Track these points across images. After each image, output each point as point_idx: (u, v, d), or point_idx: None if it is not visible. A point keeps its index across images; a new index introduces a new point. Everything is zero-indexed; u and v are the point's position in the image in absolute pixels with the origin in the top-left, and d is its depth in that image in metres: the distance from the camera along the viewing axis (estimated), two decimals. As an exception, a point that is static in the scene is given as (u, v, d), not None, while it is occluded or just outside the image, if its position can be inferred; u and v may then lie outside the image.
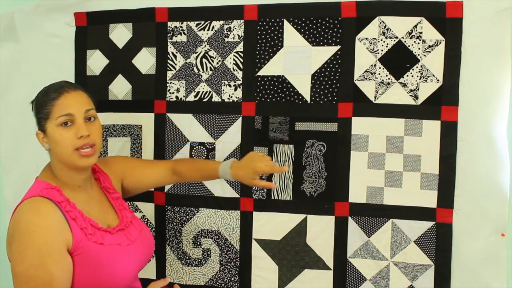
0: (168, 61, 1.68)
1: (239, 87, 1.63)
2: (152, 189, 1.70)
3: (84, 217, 1.14)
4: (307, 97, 1.59)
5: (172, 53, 1.68)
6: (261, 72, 1.62)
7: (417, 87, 1.52)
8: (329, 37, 1.56)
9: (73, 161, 1.15)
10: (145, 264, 1.31)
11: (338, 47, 1.56)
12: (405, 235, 1.54)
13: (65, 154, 1.14)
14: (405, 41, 1.51)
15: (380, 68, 1.53)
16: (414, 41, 1.51)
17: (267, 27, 1.60)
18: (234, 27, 1.62)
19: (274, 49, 1.60)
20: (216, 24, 1.64)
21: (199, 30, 1.65)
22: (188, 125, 1.67)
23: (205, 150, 1.67)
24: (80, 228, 1.12)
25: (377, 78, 1.54)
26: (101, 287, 1.14)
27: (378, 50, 1.53)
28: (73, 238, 1.10)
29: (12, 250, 1.08)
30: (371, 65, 1.54)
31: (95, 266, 1.12)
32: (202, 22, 1.65)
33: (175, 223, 1.71)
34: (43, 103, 1.15)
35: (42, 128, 1.16)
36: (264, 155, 1.48)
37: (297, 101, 1.59)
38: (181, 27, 1.67)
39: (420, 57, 1.51)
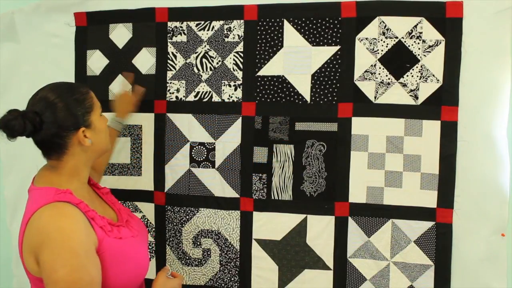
0: (168, 61, 1.68)
1: (239, 87, 1.63)
2: (152, 189, 1.71)
3: (99, 215, 1.15)
4: (307, 97, 1.59)
5: (172, 53, 1.68)
6: (261, 72, 1.62)
7: (417, 87, 1.52)
8: (329, 37, 1.56)
9: (109, 145, 1.27)
10: None
11: (338, 47, 1.56)
12: (405, 235, 1.54)
13: (107, 140, 1.24)
14: (405, 41, 1.52)
15: (380, 68, 1.53)
16: (414, 41, 1.51)
17: (267, 27, 1.60)
18: (234, 27, 1.63)
19: (274, 49, 1.60)
20: (216, 24, 1.64)
21: (199, 30, 1.65)
22: (188, 125, 1.67)
23: (205, 150, 1.67)
24: (100, 227, 1.12)
25: (377, 78, 1.54)
26: (129, 280, 1.16)
27: (378, 50, 1.53)
28: (97, 238, 1.10)
29: (44, 259, 1.04)
30: (371, 65, 1.54)
31: (121, 260, 1.13)
32: (202, 22, 1.65)
33: (175, 223, 1.71)
34: (82, 98, 1.16)
35: (86, 123, 1.15)
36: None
37: (297, 101, 1.59)
38: (181, 27, 1.67)
39: (420, 57, 1.51)
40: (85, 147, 1.16)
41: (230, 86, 1.64)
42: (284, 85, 1.60)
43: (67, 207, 1.08)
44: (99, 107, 1.21)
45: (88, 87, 1.22)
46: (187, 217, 1.70)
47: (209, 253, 1.69)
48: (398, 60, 1.52)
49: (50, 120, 1.11)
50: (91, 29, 1.73)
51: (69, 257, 1.03)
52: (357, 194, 1.57)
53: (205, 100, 1.66)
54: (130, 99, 1.63)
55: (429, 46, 1.50)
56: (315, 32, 1.57)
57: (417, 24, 1.50)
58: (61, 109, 1.12)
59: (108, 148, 1.28)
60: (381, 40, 1.53)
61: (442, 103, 1.50)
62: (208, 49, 1.65)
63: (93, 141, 1.17)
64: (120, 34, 1.71)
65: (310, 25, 1.57)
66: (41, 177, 1.19)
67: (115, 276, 1.12)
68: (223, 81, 1.65)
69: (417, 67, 1.51)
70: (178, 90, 1.68)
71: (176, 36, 1.67)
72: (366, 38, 1.54)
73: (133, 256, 1.17)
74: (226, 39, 1.64)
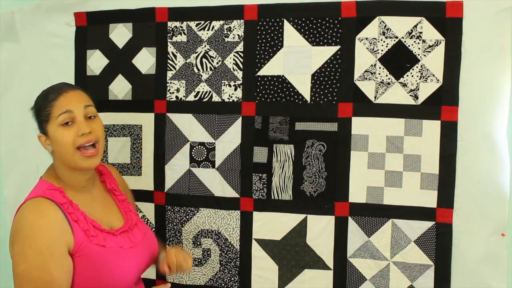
0: (168, 61, 1.68)
1: (239, 87, 1.63)
2: (152, 189, 1.71)
3: (87, 218, 1.14)
4: (307, 97, 1.59)
5: (172, 53, 1.68)
6: (261, 72, 1.62)
7: (417, 87, 1.52)
8: (329, 37, 1.56)
9: (76, 162, 1.14)
10: (147, 267, 1.31)
11: (338, 47, 1.56)
12: (405, 235, 1.54)
13: (67, 154, 1.13)
14: (405, 41, 1.51)
15: (380, 68, 1.53)
16: (414, 41, 1.51)
17: (267, 27, 1.60)
18: (234, 27, 1.62)
19: (274, 49, 1.60)
20: (216, 24, 1.64)
21: (199, 30, 1.65)
22: (188, 125, 1.67)
23: (205, 150, 1.67)
24: (82, 230, 1.12)
25: (377, 78, 1.54)
26: None
27: (378, 50, 1.53)
28: (74, 240, 1.10)
29: (13, 250, 1.08)
30: (371, 65, 1.54)
31: (96, 267, 1.12)
32: (202, 22, 1.65)
33: (175, 223, 1.71)
34: (43, 106, 1.15)
35: (43, 130, 1.16)
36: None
37: (297, 101, 1.59)
38: (181, 27, 1.67)
39: (420, 57, 1.51)
40: (54, 152, 1.17)
41: (230, 86, 1.64)
42: (284, 85, 1.60)
43: (46, 205, 1.10)
44: (56, 116, 1.13)
45: (63, 92, 1.15)
46: (187, 217, 1.70)
47: (209, 253, 1.69)
48: (398, 60, 1.52)
49: None
50: (91, 29, 1.73)
51: (31, 254, 1.05)
52: (357, 194, 1.57)
53: (205, 100, 1.66)
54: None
55: (429, 46, 1.50)
56: (315, 32, 1.57)
57: (417, 24, 1.50)
58: (33, 112, 1.19)
59: (74, 164, 1.14)
60: (381, 40, 1.53)
61: (442, 103, 1.50)
62: (208, 49, 1.65)
63: (53, 150, 1.16)
64: (120, 34, 1.71)
65: (310, 25, 1.57)
66: (47, 170, 1.22)
67: (86, 282, 1.12)
68: (223, 81, 1.65)
69: (417, 67, 1.51)
70: (178, 90, 1.68)
71: (176, 36, 1.67)
72: (366, 38, 1.54)
73: (110, 267, 1.14)
74: (226, 39, 1.64)
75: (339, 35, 1.55)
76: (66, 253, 1.09)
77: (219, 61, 1.64)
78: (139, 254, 1.23)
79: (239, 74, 1.63)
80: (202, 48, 1.65)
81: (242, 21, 1.62)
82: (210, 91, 1.66)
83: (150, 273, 1.72)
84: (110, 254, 1.15)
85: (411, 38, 1.51)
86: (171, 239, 1.72)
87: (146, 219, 1.73)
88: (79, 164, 1.14)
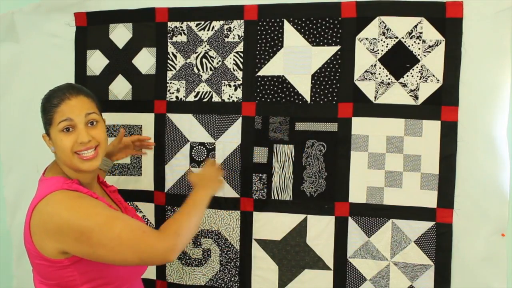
0: (168, 61, 1.68)
1: (239, 87, 1.63)
2: (152, 189, 1.71)
3: (107, 203, 1.18)
4: (307, 97, 1.59)
5: (172, 53, 1.68)
6: (261, 72, 1.62)
7: (417, 87, 1.52)
8: (329, 37, 1.56)
9: (75, 164, 1.15)
10: None
11: (338, 47, 1.56)
12: (405, 235, 1.54)
13: (66, 158, 1.15)
14: (405, 41, 1.52)
15: (380, 68, 1.53)
16: (414, 41, 1.51)
17: (267, 27, 1.60)
18: (234, 27, 1.63)
19: (274, 49, 1.60)
20: (216, 24, 1.64)
21: (199, 30, 1.65)
22: (188, 125, 1.67)
23: (205, 150, 1.67)
24: None
25: (377, 78, 1.54)
26: (131, 267, 1.18)
27: (378, 50, 1.53)
28: None
29: (74, 237, 1.04)
30: (371, 65, 1.54)
31: None
32: (202, 22, 1.65)
33: (175, 223, 1.71)
34: (47, 110, 1.15)
35: (47, 132, 1.17)
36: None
37: (297, 101, 1.59)
38: (181, 27, 1.67)
39: (420, 57, 1.51)
40: (56, 153, 1.18)
41: (230, 86, 1.64)
42: (284, 85, 1.60)
43: (73, 193, 1.10)
44: (57, 123, 1.13)
45: (66, 99, 1.14)
46: (187, 217, 1.69)
47: (209, 253, 1.69)
48: (398, 60, 1.52)
49: None
50: (91, 29, 1.73)
51: (90, 223, 1.05)
52: (357, 194, 1.57)
53: (205, 100, 1.66)
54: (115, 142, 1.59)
55: (429, 46, 1.50)
56: (315, 32, 1.57)
57: (417, 24, 1.50)
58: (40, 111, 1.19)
59: (74, 166, 1.16)
60: (381, 40, 1.53)
61: (442, 103, 1.50)
62: (208, 49, 1.65)
63: (55, 151, 1.17)
64: (120, 34, 1.71)
65: (310, 25, 1.57)
66: (51, 168, 1.21)
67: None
68: (223, 81, 1.65)
69: (417, 67, 1.51)
70: (178, 90, 1.68)
71: (176, 36, 1.67)
72: (366, 38, 1.54)
73: None
74: (226, 39, 1.64)
75: (339, 35, 1.55)
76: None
77: (219, 61, 1.64)
78: None
79: (239, 74, 1.63)
80: (202, 48, 1.66)
81: (242, 21, 1.62)
82: (210, 91, 1.66)
83: (151, 273, 1.73)
84: None
85: (411, 38, 1.51)
86: (171, 239, 1.72)
87: (146, 219, 1.73)
88: (79, 167, 1.15)
